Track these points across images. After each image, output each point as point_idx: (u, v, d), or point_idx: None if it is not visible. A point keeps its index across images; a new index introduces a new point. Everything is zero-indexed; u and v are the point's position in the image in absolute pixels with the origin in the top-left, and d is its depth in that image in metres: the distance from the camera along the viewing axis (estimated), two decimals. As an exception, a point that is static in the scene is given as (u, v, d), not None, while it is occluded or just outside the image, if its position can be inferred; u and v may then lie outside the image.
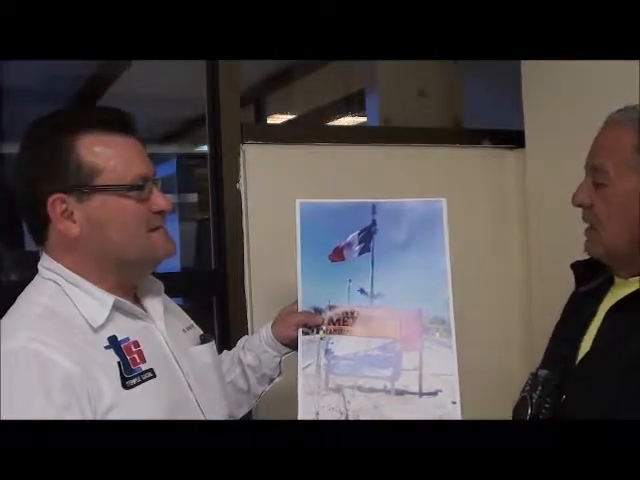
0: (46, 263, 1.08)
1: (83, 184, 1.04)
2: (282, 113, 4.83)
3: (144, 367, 1.06)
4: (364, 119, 3.92)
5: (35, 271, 1.10)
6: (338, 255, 1.30)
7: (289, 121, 4.83)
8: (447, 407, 1.20)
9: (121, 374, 1.02)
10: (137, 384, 1.03)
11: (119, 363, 1.03)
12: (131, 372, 1.04)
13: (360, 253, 1.30)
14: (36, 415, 0.92)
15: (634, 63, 1.51)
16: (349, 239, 1.31)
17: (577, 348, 1.21)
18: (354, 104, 4.15)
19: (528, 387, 1.26)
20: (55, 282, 1.06)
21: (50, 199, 1.03)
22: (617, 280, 1.22)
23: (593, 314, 1.22)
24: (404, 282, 1.28)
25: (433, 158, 2.01)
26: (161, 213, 1.10)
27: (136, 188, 1.06)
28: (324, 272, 1.30)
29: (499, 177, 2.11)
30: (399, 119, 2.72)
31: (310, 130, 2.00)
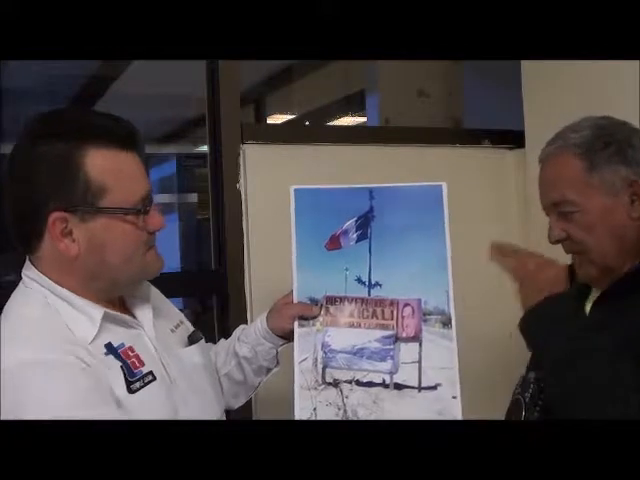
0: (31, 274, 1.05)
1: (89, 204, 1.00)
2: (282, 113, 4.84)
3: (144, 370, 1.05)
4: (364, 119, 3.93)
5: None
6: (334, 243, 1.26)
7: (289, 121, 4.83)
8: (447, 402, 1.17)
9: (125, 378, 1.01)
10: (140, 388, 1.03)
11: (122, 367, 1.02)
12: (134, 376, 1.03)
13: (357, 241, 1.26)
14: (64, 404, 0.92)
15: (634, 63, 1.51)
16: (346, 226, 1.26)
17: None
18: (354, 104, 4.16)
19: (519, 389, 1.26)
20: (42, 295, 1.03)
21: (52, 216, 0.99)
22: None
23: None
24: (403, 271, 1.24)
25: (433, 158, 2.01)
26: (155, 232, 1.09)
27: (142, 212, 1.04)
28: (320, 261, 1.26)
29: (499, 177, 2.11)
30: (399, 119, 2.72)
31: (310, 130, 2.00)
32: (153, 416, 1.02)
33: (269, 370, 1.35)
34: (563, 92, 1.79)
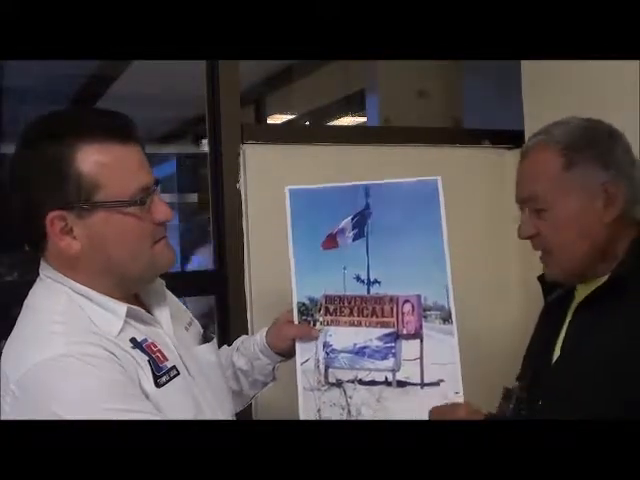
0: (49, 273, 1.05)
1: (83, 200, 0.99)
2: (282, 113, 4.84)
3: (168, 365, 1.05)
4: (364, 119, 3.93)
5: (33, 274, 1.07)
6: (331, 242, 1.26)
7: (289, 121, 4.83)
8: (450, 398, 1.17)
9: (153, 372, 1.02)
10: (167, 382, 1.03)
11: (149, 361, 1.02)
12: (160, 370, 1.03)
13: (354, 239, 1.25)
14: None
15: (634, 63, 1.51)
16: (342, 225, 1.26)
17: (550, 354, 1.23)
18: (354, 104, 4.16)
19: (502, 400, 1.25)
20: (64, 292, 1.03)
21: (49, 216, 0.99)
22: (578, 286, 1.24)
23: (562, 321, 1.24)
24: (401, 267, 1.23)
25: (433, 158, 2.01)
26: (163, 223, 1.08)
27: (139, 203, 1.02)
28: (317, 260, 1.26)
29: (499, 177, 2.11)
30: (399, 119, 2.73)
31: (310, 130, 2.00)
32: (178, 411, 1.03)
33: (265, 384, 1.34)
34: (563, 92, 1.79)
